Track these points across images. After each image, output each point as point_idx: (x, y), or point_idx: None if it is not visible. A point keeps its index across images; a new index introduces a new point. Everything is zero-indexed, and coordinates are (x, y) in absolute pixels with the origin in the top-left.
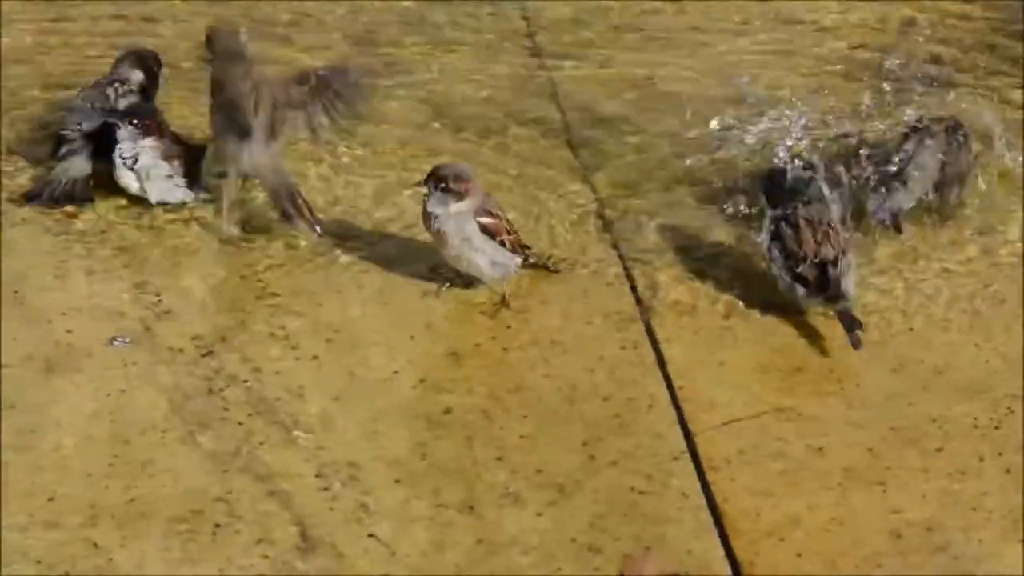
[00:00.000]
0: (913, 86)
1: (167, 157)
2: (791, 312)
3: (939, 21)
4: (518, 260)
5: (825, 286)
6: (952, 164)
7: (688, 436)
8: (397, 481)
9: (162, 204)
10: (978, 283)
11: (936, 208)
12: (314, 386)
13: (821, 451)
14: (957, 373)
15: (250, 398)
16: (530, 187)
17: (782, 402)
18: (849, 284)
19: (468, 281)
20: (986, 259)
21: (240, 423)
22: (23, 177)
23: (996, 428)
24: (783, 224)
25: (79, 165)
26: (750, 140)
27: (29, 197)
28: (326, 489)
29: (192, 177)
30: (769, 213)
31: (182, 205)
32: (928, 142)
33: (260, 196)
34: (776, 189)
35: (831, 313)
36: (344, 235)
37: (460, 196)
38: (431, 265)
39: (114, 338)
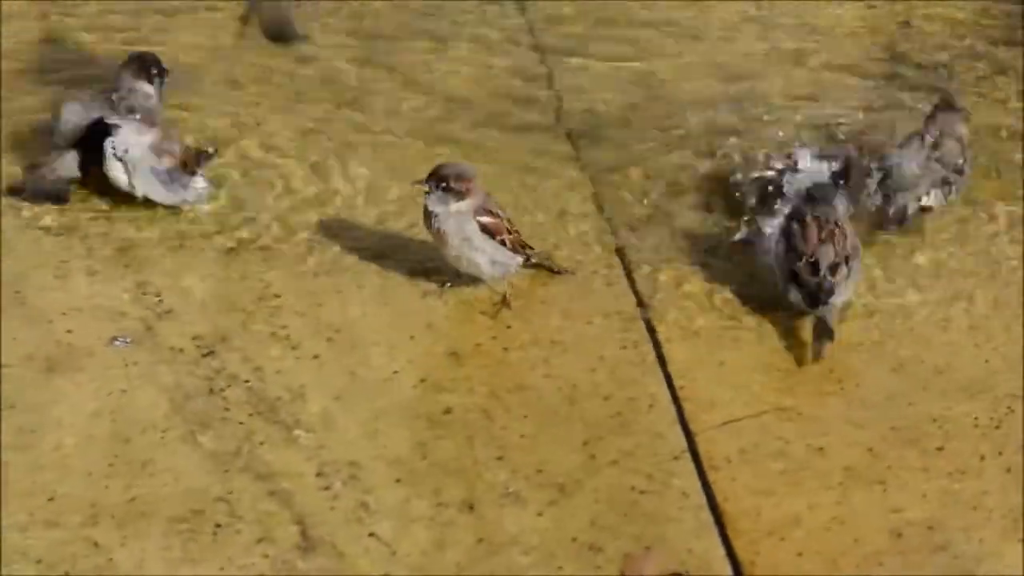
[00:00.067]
0: (913, 87)
1: (159, 152)
2: (791, 312)
3: (938, 23)
4: (519, 260)
5: (813, 288)
6: (949, 163)
7: (689, 435)
8: (398, 480)
9: (148, 200)
10: (978, 283)
11: (935, 207)
12: (315, 386)
13: (822, 450)
14: (957, 373)
15: (251, 398)
16: (530, 187)
17: (782, 402)
18: (842, 293)
19: (468, 280)
20: (986, 259)
21: (241, 423)
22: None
23: (996, 427)
24: (793, 222)
25: (69, 165)
26: (751, 140)
27: (12, 190)
28: (327, 488)
29: (183, 178)
30: (778, 209)
31: (174, 205)
32: (927, 142)
33: (262, 195)
34: (776, 190)
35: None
36: (345, 235)
37: (461, 195)
38: (432, 265)
39: (115, 338)
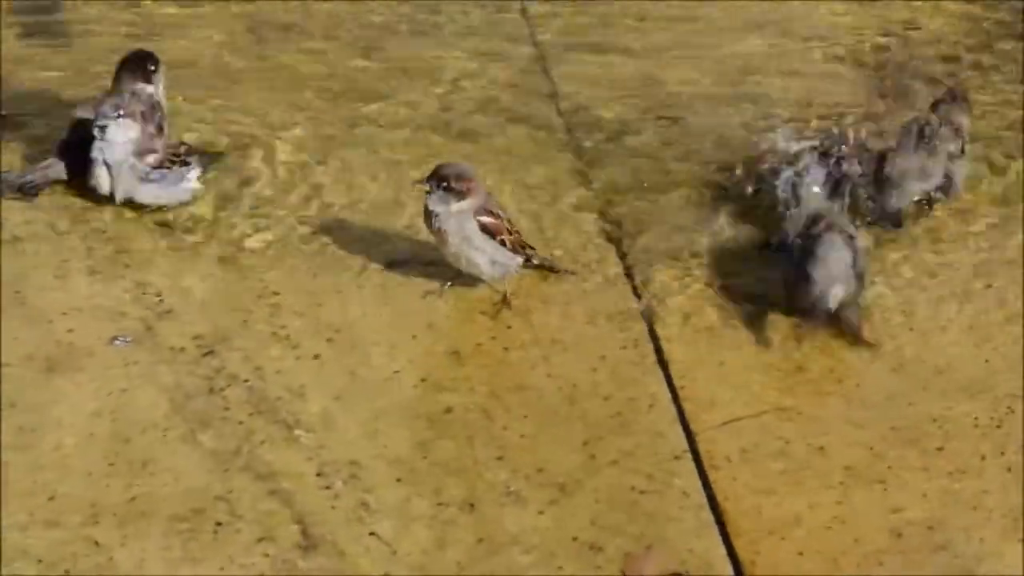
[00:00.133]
0: (913, 87)
1: (143, 151)
2: (792, 312)
3: (940, 22)
4: (519, 260)
5: (810, 308)
6: (946, 162)
7: (689, 435)
8: (398, 480)
9: (130, 202)
10: (978, 283)
11: (933, 206)
12: (315, 385)
13: (822, 450)
14: (957, 372)
15: (251, 397)
16: (531, 187)
17: (783, 401)
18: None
19: (469, 280)
20: (986, 259)
21: (241, 422)
22: None
23: (997, 427)
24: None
25: (57, 169)
26: (752, 140)
27: None
28: (327, 488)
29: (170, 175)
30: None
31: (161, 206)
32: (925, 141)
33: (262, 195)
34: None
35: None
36: (345, 234)
37: (461, 195)
38: (432, 265)
39: (115, 337)
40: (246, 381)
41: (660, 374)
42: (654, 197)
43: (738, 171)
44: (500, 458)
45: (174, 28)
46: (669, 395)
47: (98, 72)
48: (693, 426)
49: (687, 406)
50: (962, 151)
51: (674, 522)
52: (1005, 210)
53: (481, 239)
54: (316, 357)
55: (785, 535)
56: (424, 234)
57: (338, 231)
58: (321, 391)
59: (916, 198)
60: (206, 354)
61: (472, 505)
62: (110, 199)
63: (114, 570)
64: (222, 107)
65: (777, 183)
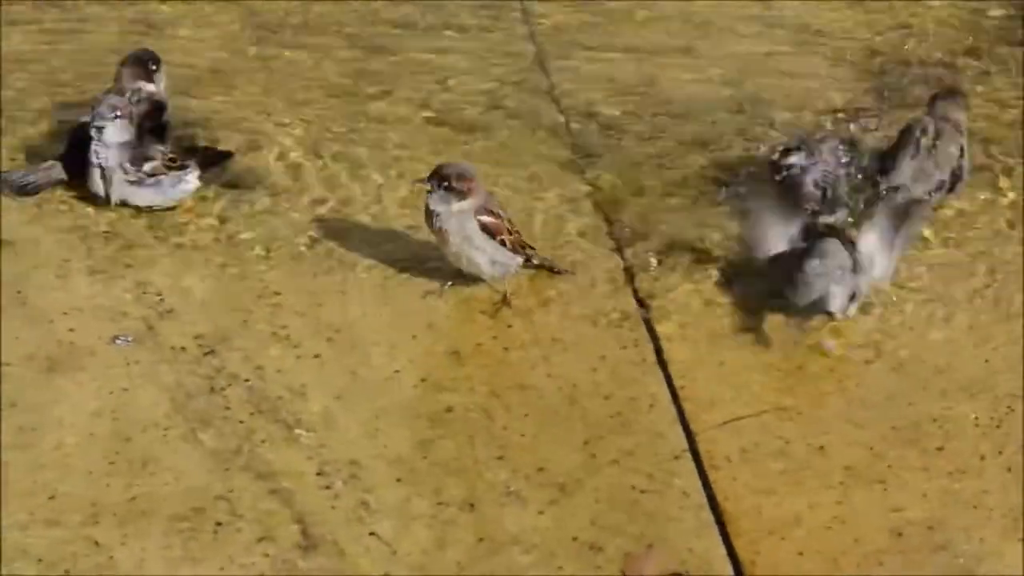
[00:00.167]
0: (913, 87)
1: (139, 156)
2: (792, 311)
3: (938, 22)
4: (519, 260)
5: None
6: (947, 161)
7: (689, 435)
8: (398, 480)
9: (124, 204)
10: (978, 283)
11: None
12: (315, 385)
13: (822, 450)
14: (957, 372)
15: (252, 397)
16: (531, 187)
17: (783, 401)
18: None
19: (469, 280)
20: (986, 258)
21: (241, 421)
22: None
23: (997, 427)
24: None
25: (58, 170)
26: (752, 140)
27: None
28: (327, 487)
29: (168, 178)
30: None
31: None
32: (924, 143)
33: (262, 194)
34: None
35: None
36: (345, 234)
37: (462, 195)
38: (433, 265)
39: (116, 337)
40: (247, 381)
41: (660, 374)
42: (654, 196)
43: (741, 176)
44: (500, 458)
45: (175, 27)
46: (669, 395)
47: (99, 72)
48: (693, 426)
49: (687, 406)
50: (962, 150)
51: (674, 522)
52: (1005, 209)
53: (481, 239)
54: (316, 357)
55: (785, 535)
56: (425, 234)
57: (339, 231)
58: (321, 391)
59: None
60: (207, 354)
61: (472, 505)
62: (107, 200)
63: (114, 570)
64: (223, 106)
65: (804, 175)
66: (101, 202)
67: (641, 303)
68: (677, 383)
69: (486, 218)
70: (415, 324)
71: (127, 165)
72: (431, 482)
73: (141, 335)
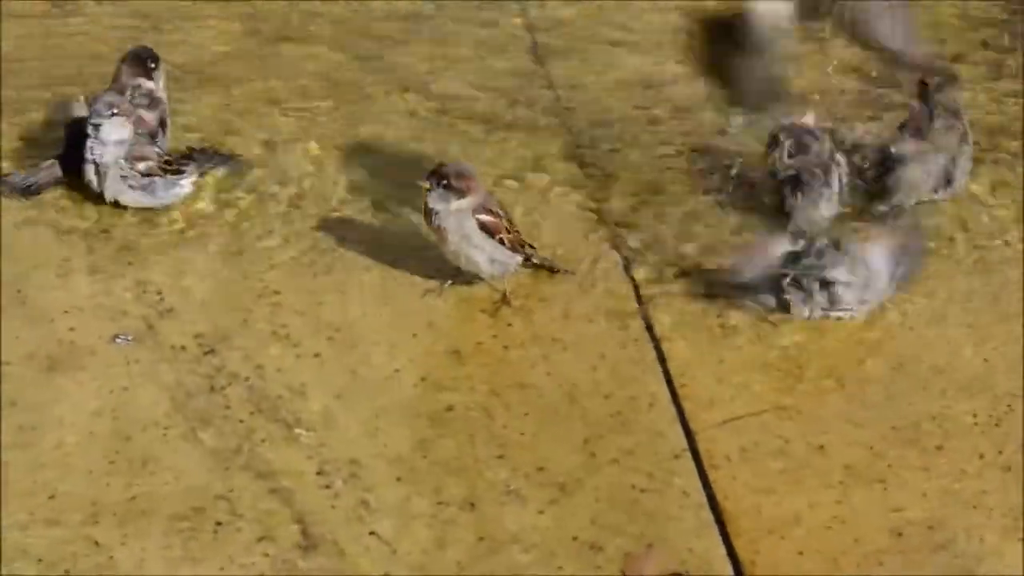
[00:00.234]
0: (912, 86)
1: (135, 156)
2: (792, 310)
3: (938, 21)
4: (518, 259)
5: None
6: (951, 152)
7: (689, 434)
8: (398, 479)
9: (117, 204)
10: (978, 282)
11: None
12: (315, 384)
13: (822, 449)
14: (957, 371)
15: (252, 396)
16: (531, 186)
17: (782, 400)
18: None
19: (469, 279)
20: (986, 257)
21: (241, 421)
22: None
23: (996, 426)
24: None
25: (58, 171)
26: (751, 140)
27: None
28: (327, 487)
29: (162, 181)
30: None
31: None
32: (924, 140)
33: (262, 193)
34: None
35: (831, 315)
36: (345, 233)
37: (461, 193)
38: (432, 264)
39: (116, 336)
40: (247, 380)
41: (660, 373)
42: (654, 196)
43: (741, 175)
44: (500, 457)
45: (176, 26)
46: (669, 394)
47: (99, 71)
48: (693, 425)
49: (687, 405)
50: (964, 137)
51: (674, 521)
52: (1004, 208)
53: (480, 237)
54: (316, 356)
55: (785, 534)
56: (425, 233)
57: (338, 230)
58: (321, 390)
59: (919, 194)
60: (207, 353)
61: (472, 504)
62: (103, 197)
63: (114, 569)
64: (223, 105)
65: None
66: (100, 199)
67: (641, 302)
68: (677, 382)
69: (484, 217)
70: (415, 323)
71: (122, 163)
72: (431, 481)
73: (141, 334)
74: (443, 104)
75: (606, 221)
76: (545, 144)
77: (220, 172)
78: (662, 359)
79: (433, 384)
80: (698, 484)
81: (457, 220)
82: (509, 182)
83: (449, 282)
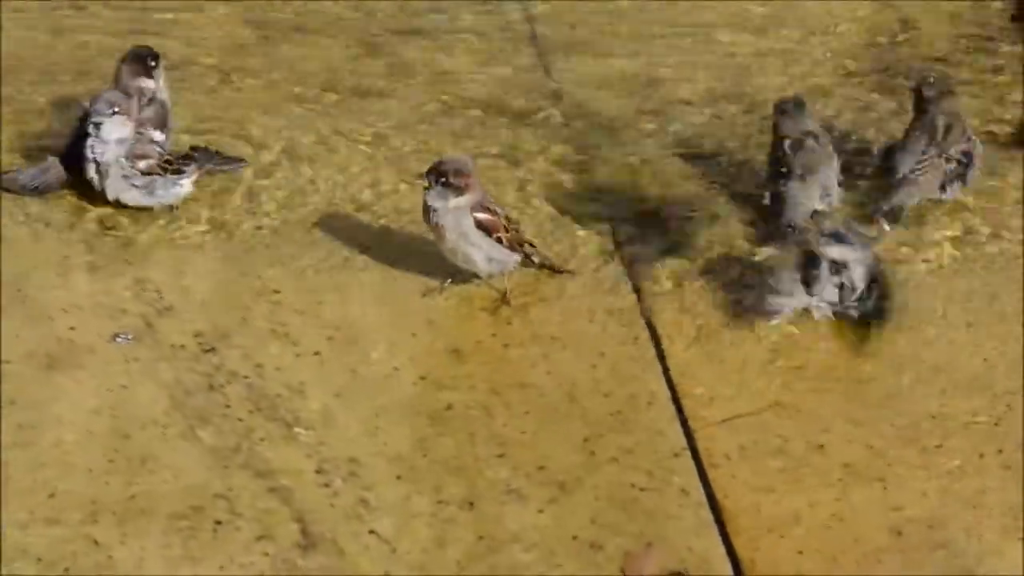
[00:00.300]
0: (912, 86)
1: (135, 155)
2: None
3: (937, 21)
4: (516, 258)
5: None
6: (947, 159)
7: (688, 433)
8: (398, 477)
9: (117, 202)
10: (978, 281)
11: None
12: (315, 383)
13: (821, 448)
14: (957, 370)
15: (251, 394)
16: (531, 185)
17: (782, 399)
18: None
19: (469, 277)
20: (986, 257)
21: (241, 419)
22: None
23: (996, 425)
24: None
25: (58, 172)
26: (751, 140)
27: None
28: (327, 486)
29: (161, 181)
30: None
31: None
32: (925, 139)
33: (261, 192)
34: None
35: (830, 313)
36: (345, 232)
37: (460, 191)
38: (432, 262)
39: (116, 335)
40: (246, 378)
41: (659, 371)
42: (654, 195)
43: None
44: (500, 456)
45: (176, 26)
46: (668, 392)
47: (99, 70)
48: (692, 423)
49: (686, 403)
50: (968, 139)
51: (673, 520)
52: (1004, 208)
53: (477, 235)
54: (316, 354)
55: (784, 533)
56: (424, 231)
57: (338, 229)
58: (321, 388)
59: (921, 195)
60: (206, 351)
61: (472, 503)
62: (104, 196)
63: (114, 569)
64: (223, 105)
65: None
66: (100, 198)
67: (641, 300)
68: (676, 380)
69: (482, 215)
70: (415, 322)
71: (123, 161)
72: (431, 480)
73: (140, 333)
74: (444, 103)
75: (606, 219)
76: (545, 142)
77: (220, 171)
78: (662, 358)
79: (433, 383)
80: (698, 483)
81: (455, 218)
82: (509, 181)
83: (449, 281)
